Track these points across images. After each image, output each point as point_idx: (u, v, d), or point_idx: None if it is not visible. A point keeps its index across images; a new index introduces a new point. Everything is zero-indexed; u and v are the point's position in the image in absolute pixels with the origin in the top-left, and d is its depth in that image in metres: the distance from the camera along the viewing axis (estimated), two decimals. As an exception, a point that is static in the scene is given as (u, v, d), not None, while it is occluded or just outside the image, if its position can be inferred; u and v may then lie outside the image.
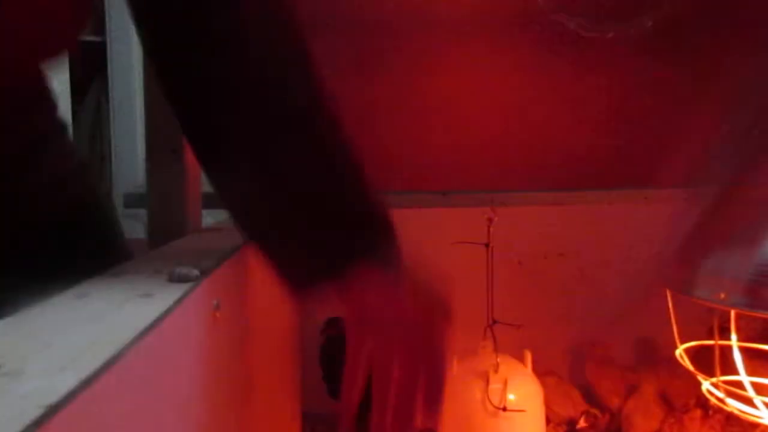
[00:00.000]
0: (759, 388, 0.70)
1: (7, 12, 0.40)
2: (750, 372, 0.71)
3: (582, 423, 1.05)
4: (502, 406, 0.84)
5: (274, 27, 0.45)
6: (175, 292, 0.35)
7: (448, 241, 0.98)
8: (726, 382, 0.69)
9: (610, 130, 1.09)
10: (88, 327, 0.28)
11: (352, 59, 0.96)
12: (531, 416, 0.87)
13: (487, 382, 0.86)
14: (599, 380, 1.14)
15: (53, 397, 0.20)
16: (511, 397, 0.85)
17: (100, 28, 1.64)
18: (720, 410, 0.96)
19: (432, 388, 0.46)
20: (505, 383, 0.85)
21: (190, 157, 0.68)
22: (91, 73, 2.39)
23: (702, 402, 1.03)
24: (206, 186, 0.76)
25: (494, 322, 0.89)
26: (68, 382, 0.21)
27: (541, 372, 1.10)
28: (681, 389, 1.12)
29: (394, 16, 0.91)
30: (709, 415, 1.00)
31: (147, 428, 0.29)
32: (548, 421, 1.10)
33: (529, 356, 0.92)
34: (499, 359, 0.88)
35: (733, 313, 0.65)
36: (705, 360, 0.73)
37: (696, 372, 0.71)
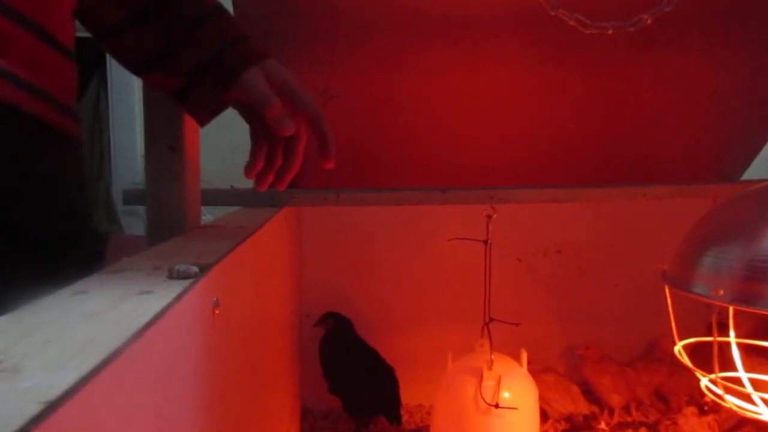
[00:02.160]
0: (757, 385, 0.70)
1: None
2: (748, 368, 0.71)
3: (603, 426, 1.05)
4: (494, 403, 0.84)
5: None
6: (175, 289, 0.35)
7: (446, 237, 0.99)
8: (724, 379, 0.69)
9: (609, 127, 1.09)
10: (87, 324, 0.28)
11: (352, 58, 0.96)
12: (524, 414, 0.87)
13: (481, 379, 0.86)
14: (599, 378, 1.14)
15: (52, 394, 0.20)
16: (505, 395, 0.85)
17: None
18: (717, 408, 0.96)
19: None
20: (499, 381, 0.86)
21: (189, 154, 0.68)
22: (90, 70, 2.39)
23: (698, 400, 1.04)
24: (205, 183, 0.76)
25: (491, 320, 0.89)
26: (67, 379, 0.21)
27: (539, 369, 1.10)
28: (679, 386, 1.12)
29: (393, 16, 0.91)
30: (704, 413, 1.00)
31: (146, 425, 0.30)
32: (548, 417, 1.10)
33: (525, 355, 0.92)
34: (494, 357, 0.88)
35: (731, 309, 0.65)
36: (703, 356, 0.74)
37: (694, 368, 0.71)
